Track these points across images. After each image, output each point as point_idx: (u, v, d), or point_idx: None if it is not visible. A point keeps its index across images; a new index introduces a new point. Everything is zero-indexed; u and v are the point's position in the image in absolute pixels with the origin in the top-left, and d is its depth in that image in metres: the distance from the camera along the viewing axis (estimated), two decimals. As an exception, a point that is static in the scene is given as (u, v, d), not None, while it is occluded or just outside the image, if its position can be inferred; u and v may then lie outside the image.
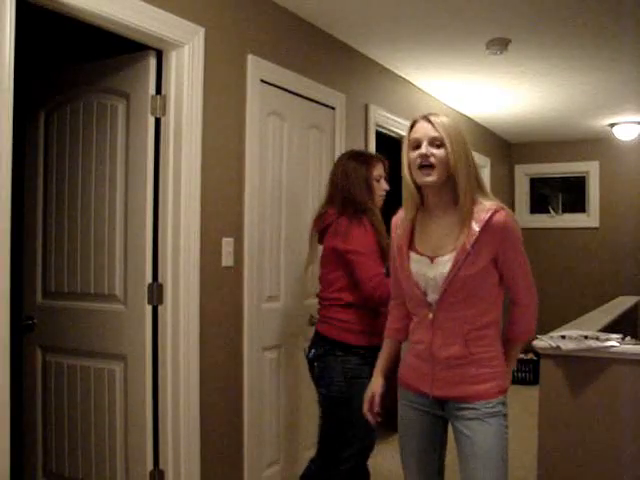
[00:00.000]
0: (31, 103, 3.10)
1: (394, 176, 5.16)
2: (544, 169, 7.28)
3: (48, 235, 3.08)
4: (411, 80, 4.83)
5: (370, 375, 2.27)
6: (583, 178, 7.13)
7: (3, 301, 2.08)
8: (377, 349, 2.32)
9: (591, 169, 7.05)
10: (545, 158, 7.24)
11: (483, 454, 1.94)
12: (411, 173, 1.95)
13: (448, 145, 1.88)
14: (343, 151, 3.95)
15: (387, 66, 4.49)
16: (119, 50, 2.81)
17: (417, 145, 1.92)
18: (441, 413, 2.06)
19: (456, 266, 1.90)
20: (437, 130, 1.89)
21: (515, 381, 6.78)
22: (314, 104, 3.69)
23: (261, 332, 3.23)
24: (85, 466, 2.94)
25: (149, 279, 2.80)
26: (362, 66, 4.21)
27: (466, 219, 1.90)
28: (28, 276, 3.12)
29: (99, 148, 2.92)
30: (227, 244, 3.01)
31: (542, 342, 2.77)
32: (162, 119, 2.80)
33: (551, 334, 2.87)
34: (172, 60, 2.79)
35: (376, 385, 2.18)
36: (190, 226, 2.80)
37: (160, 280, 2.79)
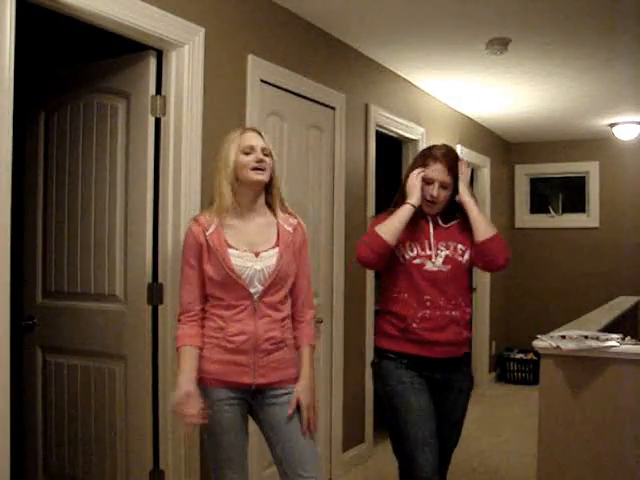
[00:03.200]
0: (31, 103, 3.10)
1: (393, 177, 5.17)
2: (544, 169, 7.28)
3: (48, 235, 3.08)
4: (411, 80, 4.84)
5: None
6: (583, 178, 7.12)
7: (3, 301, 2.09)
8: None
9: (591, 169, 7.05)
10: (545, 158, 7.24)
11: (301, 434, 2.22)
12: (236, 175, 2.23)
13: (273, 155, 2.29)
14: (343, 151, 3.96)
15: (387, 66, 4.49)
16: (119, 50, 2.82)
17: (249, 151, 2.23)
18: (251, 402, 2.27)
19: (281, 260, 2.24)
20: (266, 143, 2.28)
21: (515, 381, 6.79)
22: (314, 104, 3.69)
23: (261, 332, 3.22)
24: (85, 466, 2.94)
25: (149, 279, 2.80)
26: (362, 66, 4.21)
27: (278, 221, 2.30)
28: (28, 276, 3.12)
29: (99, 148, 2.92)
30: (227, 244, 3.01)
31: (542, 342, 2.77)
32: (162, 119, 2.80)
33: (551, 334, 2.86)
34: (172, 60, 2.79)
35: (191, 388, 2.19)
36: (190, 226, 2.80)
37: (160, 280, 2.80)
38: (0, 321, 2.08)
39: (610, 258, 6.87)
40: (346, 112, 3.98)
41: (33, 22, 2.73)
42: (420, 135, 4.98)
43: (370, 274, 4.28)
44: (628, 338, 2.75)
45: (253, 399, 2.27)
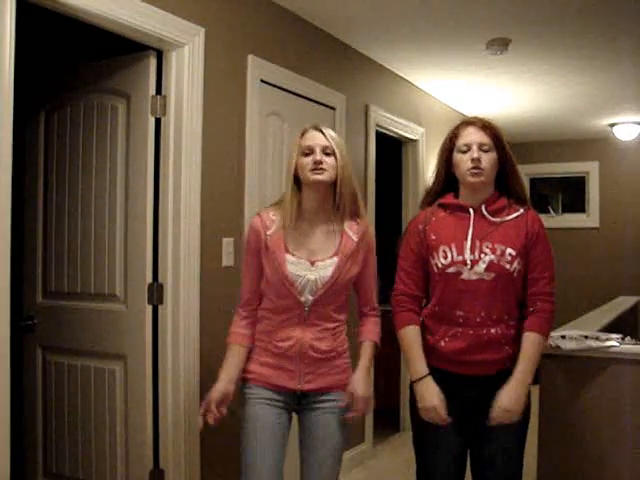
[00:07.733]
0: (31, 103, 3.10)
1: (393, 177, 5.17)
2: (544, 169, 7.27)
3: (48, 235, 3.08)
4: (411, 80, 4.84)
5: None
6: (583, 178, 7.12)
7: (3, 301, 2.09)
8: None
9: (591, 169, 7.05)
10: (545, 158, 7.23)
11: (330, 455, 2.17)
12: (297, 175, 2.14)
13: (337, 154, 2.12)
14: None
15: (387, 66, 4.49)
16: (119, 50, 2.82)
17: (309, 152, 2.12)
18: (296, 407, 2.21)
19: (337, 271, 2.13)
20: (328, 140, 2.12)
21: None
22: (314, 104, 3.69)
23: (261, 332, 3.22)
24: (85, 466, 2.94)
25: (149, 279, 2.80)
26: (362, 66, 4.21)
27: (344, 228, 2.17)
28: (28, 276, 3.12)
29: (99, 148, 2.92)
30: (227, 244, 3.01)
31: (542, 342, 2.76)
32: (162, 119, 2.81)
33: (551, 334, 2.86)
34: (172, 60, 2.79)
35: (231, 389, 2.19)
36: (190, 226, 2.80)
37: (160, 280, 2.80)
38: (0, 321, 2.08)
39: (610, 258, 6.86)
40: (346, 112, 3.98)
41: (33, 22, 2.73)
42: (420, 135, 4.98)
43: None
44: (628, 338, 2.76)
45: (298, 404, 2.20)
